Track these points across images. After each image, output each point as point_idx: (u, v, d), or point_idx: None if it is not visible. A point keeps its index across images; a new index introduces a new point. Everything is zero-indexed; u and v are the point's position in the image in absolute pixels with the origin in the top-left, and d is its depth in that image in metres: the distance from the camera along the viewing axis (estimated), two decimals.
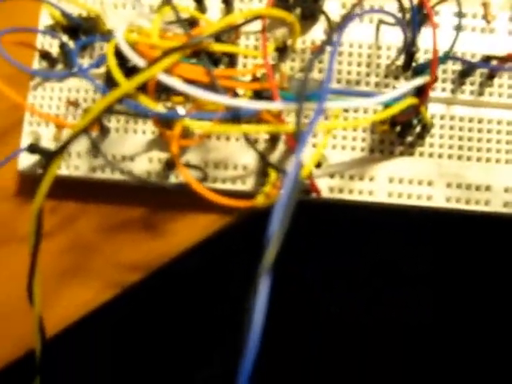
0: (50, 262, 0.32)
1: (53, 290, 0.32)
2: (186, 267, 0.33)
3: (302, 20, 0.31)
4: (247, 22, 0.25)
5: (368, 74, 0.31)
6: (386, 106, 0.27)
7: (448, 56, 0.29)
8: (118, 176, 0.31)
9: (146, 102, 0.23)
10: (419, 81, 0.26)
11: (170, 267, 0.32)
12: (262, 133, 0.28)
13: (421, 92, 0.27)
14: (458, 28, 0.28)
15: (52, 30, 0.30)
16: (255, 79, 0.29)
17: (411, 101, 0.27)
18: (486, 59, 0.30)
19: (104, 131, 0.31)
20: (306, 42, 0.31)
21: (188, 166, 0.29)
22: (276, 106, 0.23)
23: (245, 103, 0.23)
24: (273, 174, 0.28)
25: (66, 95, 0.32)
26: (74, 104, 0.30)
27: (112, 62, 0.24)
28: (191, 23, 0.30)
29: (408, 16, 0.30)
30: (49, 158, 0.22)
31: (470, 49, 0.31)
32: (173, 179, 0.31)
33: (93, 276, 0.33)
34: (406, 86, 0.26)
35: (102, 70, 0.31)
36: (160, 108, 0.25)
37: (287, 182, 0.18)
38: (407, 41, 0.29)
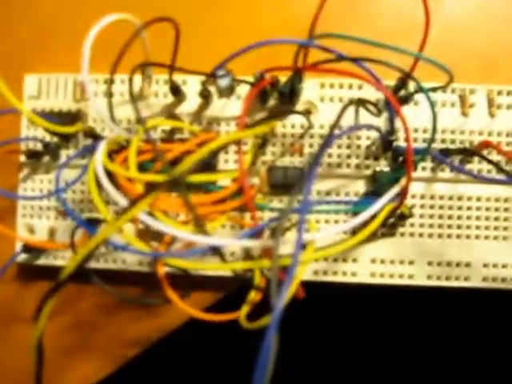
0: (54, 339, 0.34)
1: (57, 366, 0.34)
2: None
3: (281, 104, 0.31)
4: (224, 147, 0.26)
5: (349, 156, 0.32)
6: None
7: (425, 153, 0.29)
8: (111, 265, 0.32)
9: (131, 241, 0.24)
10: (396, 189, 0.27)
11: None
12: (239, 269, 0.28)
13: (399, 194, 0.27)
14: (434, 127, 0.28)
15: (33, 137, 0.31)
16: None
17: (391, 207, 0.27)
18: (463, 151, 0.30)
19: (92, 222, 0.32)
20: (286, 126, 0.32)
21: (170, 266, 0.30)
22: (254, 243, 0.24)
23: (222, 241, 0.24)
24: (257, 279, 0.29)
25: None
26: (63, 214, 0.31)
27: (95, 194, 0.25)
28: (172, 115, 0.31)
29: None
30: (44, 299, 0.24)
31: (450, 128, 0.31)
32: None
33: (94, 352, 0.35)
34: (385, 198, 0.26)
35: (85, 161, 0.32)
36: (144, 247, 0.26)
37: (263, 352, 0.19)
38: (385, 130, 0.30)
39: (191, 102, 0.32)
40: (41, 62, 0.35)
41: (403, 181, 0.28)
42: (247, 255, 0.31)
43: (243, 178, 0.26)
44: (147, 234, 0.30)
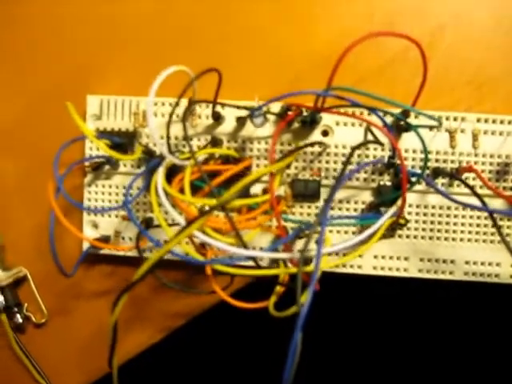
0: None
1: (118, 334, 0.42)
2: None
3: (303, 127, 0.38)
4: (259, 177, 0.32)
5: (358, 172, 0.38)
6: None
7: (419, 177, 0.36)
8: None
9: (189, 252, 0.31)
10: (394, 209, 0.34)
11: None
12: (271, 276, 0.35)
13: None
14: (426, 157, 0.35)
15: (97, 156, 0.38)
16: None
17: (390, 221, 0.34)
18: (449, 175, 0.36)
19: (149, 224, 0.39)
20: (307, 148, 0.38)
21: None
22: (283, 256, 0.31)
23: (256, 253, 0.31)
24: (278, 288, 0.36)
25: (114, 191, 0.40)
26: (126, 218, 0.38)
27: (159, 214, 0.32)
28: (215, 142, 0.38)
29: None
30: (119, 296, 0.31)
31: (442, 150, 0.38)
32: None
33: (146, 323, 0.43)
34: (386, 216, 0.33)
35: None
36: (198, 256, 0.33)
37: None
38: (388, 154, 0.37)
39: (228, 124, 0.38)
40: (100, 85, 0.41)
41: (399, 202, 0.35)
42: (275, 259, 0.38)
43: (273, 200, 0.33)
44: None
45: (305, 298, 0.32)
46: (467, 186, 0.35)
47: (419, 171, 0.37)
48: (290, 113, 0.36)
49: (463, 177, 0.38)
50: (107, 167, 0.40)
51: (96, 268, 0.43)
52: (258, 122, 0.34)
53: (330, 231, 0.39)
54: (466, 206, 0.34)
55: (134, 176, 0.38)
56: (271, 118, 0.38)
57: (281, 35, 0.41)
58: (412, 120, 0.37)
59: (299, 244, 0.37)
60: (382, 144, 0.36)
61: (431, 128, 0.36)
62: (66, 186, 0.35)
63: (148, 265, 0.31)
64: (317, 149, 0.38)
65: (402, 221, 0.37)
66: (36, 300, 0.43)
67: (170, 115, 0.33)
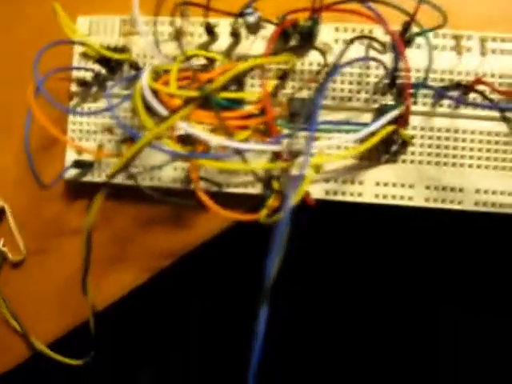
0: (96, 251, 0.39)
1: (97, 275, 0.39)
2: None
3: (300, 44, 0.36)
4: (249, 70, 0.30)
5: (359, 91, 0.36)
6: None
7: (421, 85, 0.33)
8: (148, 183, 0.37)
9: (169, 144, 0.29)
10: (395, 113, 0.31)
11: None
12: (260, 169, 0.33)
13: (398, 119, 0.32)
14: (430, 60, 0.33)
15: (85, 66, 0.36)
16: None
17: (389, 129, 0.32)
18: (456, 85, 0.34)
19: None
20: (304, 64, 0.36)
21: (205, 179, 0.35)
22: (270, 147, 0.28)
23: (244, 145, 0.28)
24: (276, 184, 0.33)
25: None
26: (110, 131, 0.36)
27: (140, 107, 0.30)
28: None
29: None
30: (95, 191, 0.29)
31: (448, 68, 0.35)
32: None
33: (130, 262, 0.39)
34: (385, 118, 0.31)
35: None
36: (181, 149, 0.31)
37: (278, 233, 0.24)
38: (391, 67, 0.34)
39: (223, 42, 0.37)
40: (90, 7, 0.40)
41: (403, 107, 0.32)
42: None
43: (266, 97, 0.31)
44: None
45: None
46: (481, 94, 0.33)
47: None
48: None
49: (471, 96, 0.35)
50: (94, 89, 0.38)
51: (78, 202, 0.40)
52: (251, 21, 0.33)
53: (328, 155, 0.36)
54: (475, 105, 0.31)
55: (116, 81, 0.36)
56: (267, 34, 0.36)
57: None
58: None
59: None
60: (381, 44, 0.34)
61: (438, 28, 0.33)
62: (49, 111, 0.33)
63: (127, 156, 0.28)
64: (314, 67, 0.36)
65: (406, 137, 0.34)
66: (13, 236, 0.40)
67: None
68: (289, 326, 0.43)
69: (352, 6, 0.32)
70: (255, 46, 0.36)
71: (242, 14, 0.33)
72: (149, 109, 0.30)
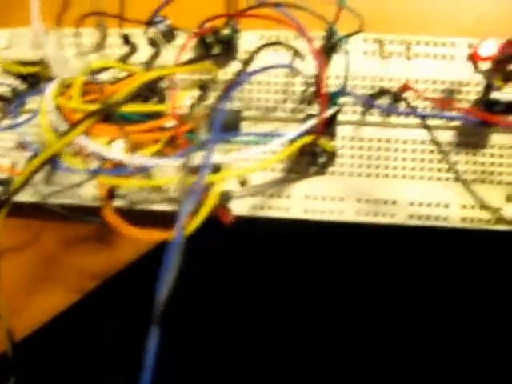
0: (19, 273, 0.37)
1: (23, 298, 0.38)
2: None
3: (223, 54, 0.34)
4: (158, 80, 0.29)
5: (284, 101, 0.34)
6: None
7: (341, 93, 0.32)
8: (69, 200, 0.35)
9: (69, 161, 0.27)
10: (311, 122, 0.29)
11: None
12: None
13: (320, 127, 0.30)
14: (347, 66, 0.31)
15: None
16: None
17: (307, 139, 0.30)
18: (381, 92, 0.32)
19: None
20: (227, 74, 0.35)
21: (119, 197, 0.33)
22: (169, 162, 0.27)
23: (142, 160, 0.27)
24: None
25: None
26: (22, 147, 0.34)
27: (43, 122, 0.28)
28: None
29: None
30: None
31: (373, 74, 0.34)
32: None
33: (57, 284, 0.38)
34: (297, 130, 0.29)
35: None
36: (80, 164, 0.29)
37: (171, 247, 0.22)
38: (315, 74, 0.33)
39: (143, 53, 0.35)
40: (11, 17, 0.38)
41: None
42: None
43: (173, 110, 0.29)
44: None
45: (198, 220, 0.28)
46: (404, 101, 0.31)
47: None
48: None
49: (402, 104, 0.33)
50: (14, 105, 0.36)
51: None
52: (163, 28, 0.31)
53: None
54: (395, 112, 0.30)
55: (24, 94, 0.35)
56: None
57: None
58: None
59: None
60: (296, 51, 0.32)
61: (355, 34, 0.32)
62: None
63: (28, 171, 0.27)
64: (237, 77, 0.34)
65: (328, 146, 0.32)
66: None
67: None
68: (192, 347, 0.41)
69: (271, 13, 0.31)
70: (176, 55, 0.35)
71: (151, 23, 0.31)
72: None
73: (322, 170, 0.34)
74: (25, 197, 0.36)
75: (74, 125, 0.28)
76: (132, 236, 0.29)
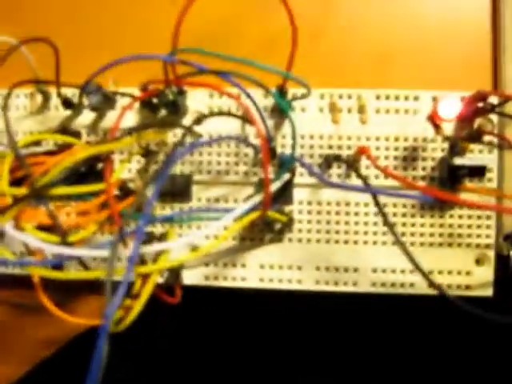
0: None
1: None
2: None
3: (171, 115, 0.32)
4: (89, 160, 0.27)
5: (237, 164, 0.32)
6: None
7: (290, 160, 0.29)
8: (17, 271, 0.34)
9: None
10: (257, 198, 0.27)
11: None
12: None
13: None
14: (294, 135, 0.29)
15: None
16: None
17: (254, 215, 0.28)
18: (335, 158, 0.30)
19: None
20: (177, 135, 0.33)
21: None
22: (97, 252, 0.25)
23: (69, 251, 0.25)
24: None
25: None
26: None
27: None
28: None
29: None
30: None
31: (327, 134, 0.32)
32: None
33: (10, 353, 0.36)
34: (244, 206, 0.27)
35: None
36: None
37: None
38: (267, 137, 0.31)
39: (87, 115, 0.33)
40: None
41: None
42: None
43: (109, 189, 0.27)
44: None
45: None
46: (352, 168, 0.29)
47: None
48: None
49: (359, 165, 0.31)
50: None
51: None
52: (95, 101, 0.29)
53: (207, 237, 0.32)
54: (345, 188, 0.27)
55: None
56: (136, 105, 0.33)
57: None
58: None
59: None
60: (244, 119, 0.30)
61: (303, 97, 0.30)
62: None
63: None
64: (184, 139, 0.32)
65: (282, 218, 0.30)
66: None
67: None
68: None
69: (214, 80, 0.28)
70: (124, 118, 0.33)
71: (85, 92, 0.29)
72: None
73: (278, 237, 0.32)
74: None
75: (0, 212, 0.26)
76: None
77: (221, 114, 0.31)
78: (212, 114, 0.31)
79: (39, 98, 0.33)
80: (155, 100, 0.31)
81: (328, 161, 0.31)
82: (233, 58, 0.26)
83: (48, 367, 0.36)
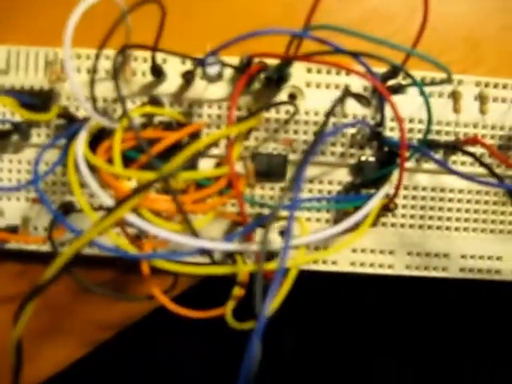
0: (28, 322, 0.33)
1: (32, 349, 0.33)
2: None
3: (266, 88, 0.30)
4: (212, 143, 0.25)
5: (333, 144, 0.31)
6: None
7: (418, 151, 0.29)
8: (88, 251, 0.31)
9: (116, 240, 0.23)
10: (385, 190, 0.26)
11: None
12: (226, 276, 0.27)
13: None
14: (429, 123, 0.28)
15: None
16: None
17: (381, 204, 0.27)
18: (451, 146, 0.30)
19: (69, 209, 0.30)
20: (270, 111, 0.31)
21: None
22: (241, 247, 0.23)
23: (207, 244, 0.23)
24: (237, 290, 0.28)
25: (25, 168, 0.31)
26: (37, 201, 0.29)
27: (76, 188, 0.24)
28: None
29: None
30: (24, 301, 0.23)
31: (438, 119, 0.31)
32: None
33: (66, 335, 0.34)
34: (376, 198, 0.26)
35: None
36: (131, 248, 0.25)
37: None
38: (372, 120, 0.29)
39: (171, 83, 0.30)
40: (8, 33, 0.32)
41: (394, 178, 0.27)
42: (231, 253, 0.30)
43: (233, 174, 0.25)
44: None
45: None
46: (476, 158, 0.28)
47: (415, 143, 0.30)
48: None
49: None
50: (16, 137, 0.31)
51: (2, 268, 0.34)
52: (213, 73, 0.27)
53: (298, 220, 0.31)
54: (480, 182, 0.27)
55: (46, 144, 0.30)
56: (227, 75, 0.30)
57: None
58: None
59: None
60: (367, 101, 0.29)
61: (439, 84, 0.29)
62: None
63: (60, 262, 0.22)
64: (282, 115, 0.31)
65: (391, 205, 0.29)
66: None
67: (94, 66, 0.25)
68: None
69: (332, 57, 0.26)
70: (211, 89, 0.30)
71: (201, 63, 0.27)
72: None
73: (373, 222, 0.31)
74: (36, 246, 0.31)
75: (120, 202, 0.23)
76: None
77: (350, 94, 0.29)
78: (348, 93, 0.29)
79: (132, 64, 0.30)
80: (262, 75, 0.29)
81: (432, 147, 0.30)
82: (369, 37, 0.24)
83: (108, 350, 0.34)
